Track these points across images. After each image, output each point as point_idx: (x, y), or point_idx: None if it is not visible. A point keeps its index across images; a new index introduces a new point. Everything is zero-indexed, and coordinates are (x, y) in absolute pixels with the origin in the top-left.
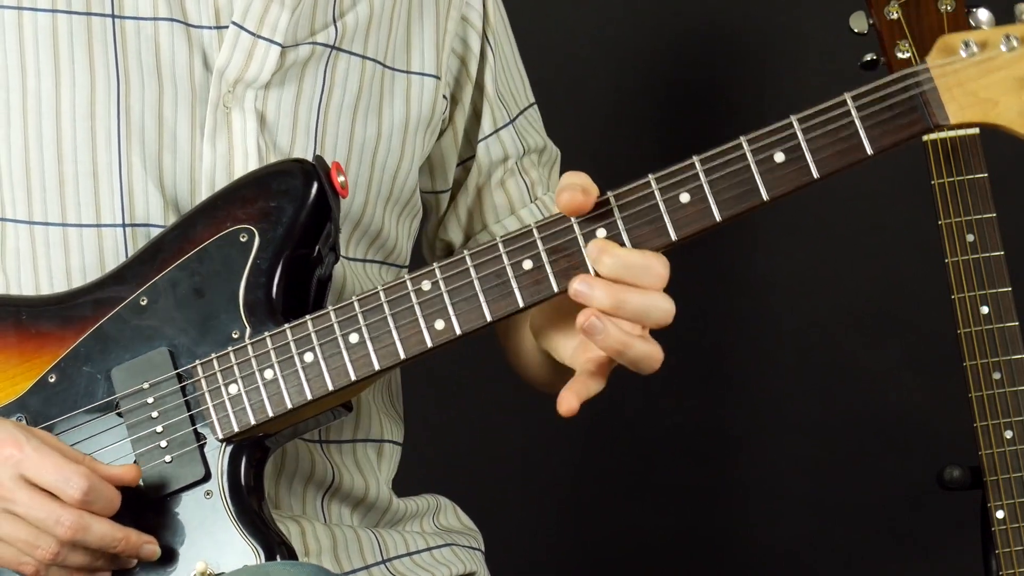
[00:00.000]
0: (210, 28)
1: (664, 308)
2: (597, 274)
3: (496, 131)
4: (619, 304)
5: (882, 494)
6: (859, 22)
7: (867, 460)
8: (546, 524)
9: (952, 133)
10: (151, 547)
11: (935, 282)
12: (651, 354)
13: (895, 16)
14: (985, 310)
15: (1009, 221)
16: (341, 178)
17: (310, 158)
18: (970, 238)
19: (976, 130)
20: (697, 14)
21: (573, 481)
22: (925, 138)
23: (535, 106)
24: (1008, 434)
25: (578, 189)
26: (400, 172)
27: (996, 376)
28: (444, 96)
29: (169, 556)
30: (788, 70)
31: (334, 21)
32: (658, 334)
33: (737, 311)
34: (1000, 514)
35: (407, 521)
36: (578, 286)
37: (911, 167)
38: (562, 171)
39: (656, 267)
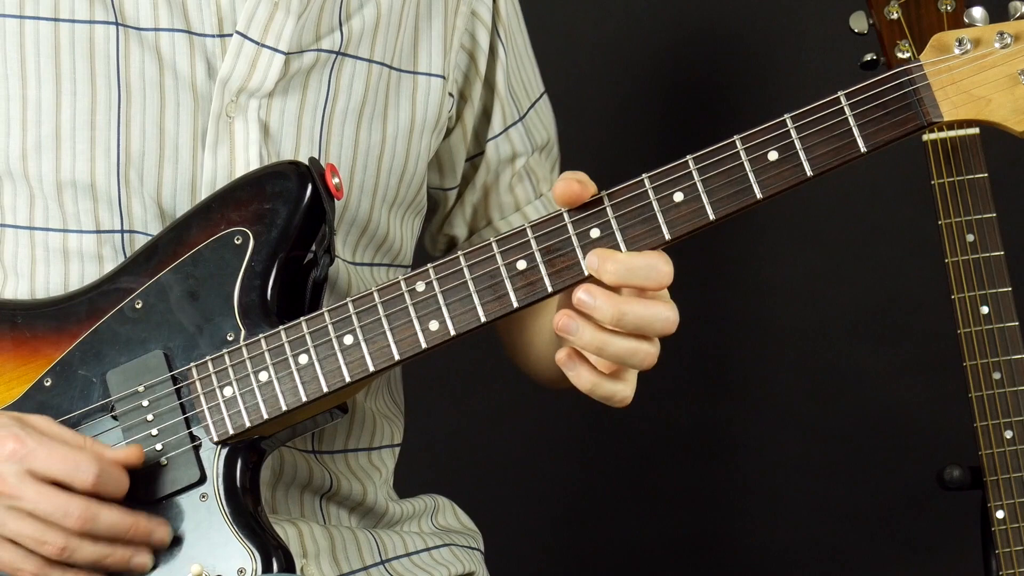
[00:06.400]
0: (213, 36)
1: (665, 317)
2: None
3: (506, 129)
4: (620, 316)
5: (882, 494)
6: (859, 22)
7: (867, 460)
8: (546, 524)
9: (952, 133)
10: (163, 530)
11: (935, 282)
12: (636, 351)
13: (895, 16)
14: (985, 310)
15: (1009, 221)
16: (336, 180)
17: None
18: (970, 238)
19: (976, 130)
20: (698, 15)
21: (573, 481)
22: (925, 138)
23: (545, 95)
24: (1008, 434)
25: (574, 180)
26: (406, 175)
27: (996, 376)
28: (451, 94)
29: (164, 559)
30: (788, 70)
31: (340, 25)
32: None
33: (737, 311)
34: (1000, 514)
35: (405, 521)
36: (582, 295)
37: (911, 167)
38: (562, 171)
39: (660, 266)
